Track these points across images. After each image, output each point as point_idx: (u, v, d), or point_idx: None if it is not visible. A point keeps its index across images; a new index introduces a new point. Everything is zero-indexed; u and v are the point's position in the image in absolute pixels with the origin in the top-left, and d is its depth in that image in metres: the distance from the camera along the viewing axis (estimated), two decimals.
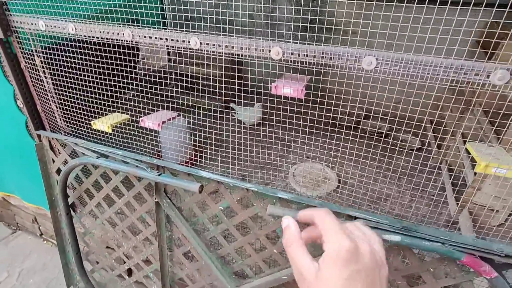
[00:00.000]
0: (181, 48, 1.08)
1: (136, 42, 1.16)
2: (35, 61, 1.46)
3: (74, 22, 1.22)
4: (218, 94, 3.21)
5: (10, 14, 1.35)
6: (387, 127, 3.00)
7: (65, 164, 1.57)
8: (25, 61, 1.46)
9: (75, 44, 1.33)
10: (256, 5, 3.43)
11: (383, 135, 2.81)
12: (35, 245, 2.36)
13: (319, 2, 3.22)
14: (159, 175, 1.25)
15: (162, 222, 1.44)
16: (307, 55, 0.91)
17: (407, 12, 0.89)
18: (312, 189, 2.42)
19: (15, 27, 1.37)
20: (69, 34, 1.25)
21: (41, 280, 2.10)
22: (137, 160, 1.32)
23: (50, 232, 2.33)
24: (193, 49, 1.06)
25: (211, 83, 2.78)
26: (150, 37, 1.12)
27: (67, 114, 1.59)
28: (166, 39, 1.09)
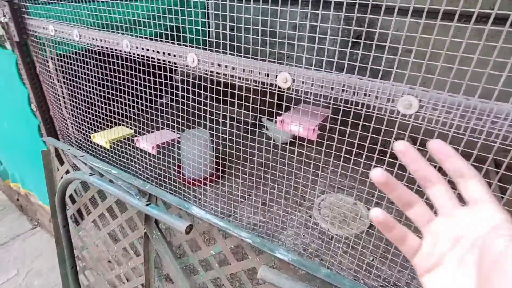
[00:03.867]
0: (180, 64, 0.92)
1: (135, 54, 1.01)
2: (49, 67, 1.41)
3: (79, 28, 1.13)
4: (249, 106, 3.05)
5: (28, 18, 1.31)
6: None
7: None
8: (39, 66, 1.42)
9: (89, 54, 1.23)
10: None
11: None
12: (48, 245, 2.37)
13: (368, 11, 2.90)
14: (147, 205, 1.09)
15: (151, 255, 1.27)
16: (322, 86, 0.68)
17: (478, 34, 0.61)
18: (339, 227, 2.12)
19: (31, 30, 1.32)
20: (73, 40, 1.16)
21: (45, 284, 2.07)
22: (128, 183, 1.18)
23: None
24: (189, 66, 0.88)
25: (243, 93, 2.62)
26: (148, 50, 0.97)
27: (77, 122, 1.52)
28: (162, 52, 0.93)
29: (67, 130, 1.59)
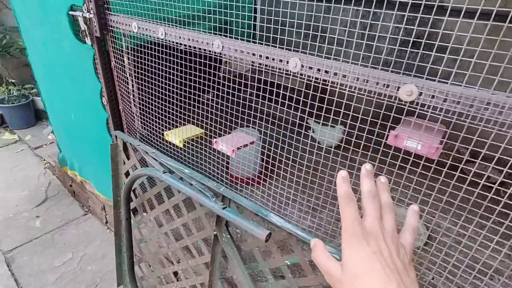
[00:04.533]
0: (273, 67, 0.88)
1: (224, 54, 1.00)
2: (123, 61, 1.43)
3: (164, 26, 1.13)
4: (295, 106, 2.99)
5: (110, 13, 1.33)
6: (500, 175, 2.39)
7: (134, 169, 1.53)
8: (115, 60, 1.45)
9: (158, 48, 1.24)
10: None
11: (495, 186, 2.24)
12: (100, 231, 2.46)
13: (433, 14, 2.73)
14: (223, 208, 1.07)
15: (217, 257, 1.26)
16: (459, 102, 0.62)
17: None
18: None
19: (112, 26, 1.35)
20: (158, 38, 1.16)
21: (98, 269, 2.15)
22: (202, 184, 1.17)
23: None
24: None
25: (288, 94, 2.57)
26: (242, 51, 0.94)
27: (145, 118, 1.55)
28: (258, 55, 0.90)
29: (133, 125, 1.61)
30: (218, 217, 1.18)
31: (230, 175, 2.43)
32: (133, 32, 1.24)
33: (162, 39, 1.15)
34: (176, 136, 1.27)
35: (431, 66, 0.66)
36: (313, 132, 2.99)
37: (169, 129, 1.40)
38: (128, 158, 1.54)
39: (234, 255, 1.18)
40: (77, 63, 1.56)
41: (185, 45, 1.08)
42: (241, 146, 1.14)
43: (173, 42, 1.12)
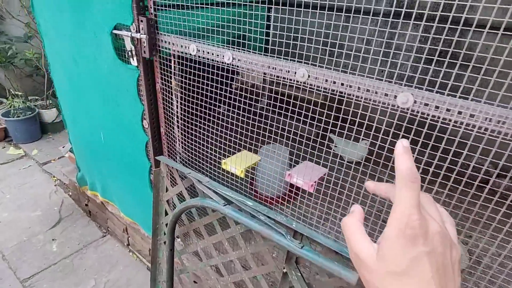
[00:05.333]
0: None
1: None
2: (170, 82, 1.35)
3: (231, 51, 1.05)
4: (316, 120, 2.94)
5: (160, 33, 1.25)
6: None
7: (180, 196, 1.43)
8: (161, 82, 1.36)
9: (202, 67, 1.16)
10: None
11: None
12: (121, 254, 2.34)
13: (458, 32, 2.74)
14: (301, 247, 0.99)
15: None
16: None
17: None
18: None
19: (161, 47, 1.26)
20: (222, 62, 1.08)
21: None
22: (270, 218, 1.09)
23: (138, 246, 2.28)
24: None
25: (309, 106, 2.51)
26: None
27: (188, 143, 1.46)
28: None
29: (174, 149, 1.52)
30: (288, 253, 1.09)
31: (255, 194, 2.35)
32: (191, 54, 1.16)
33: (227, 64, 1.07)
34: (236, 165, 1.18)
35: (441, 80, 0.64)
36: (336, 146, 2.94)
37: (222, 154, 1.31)
38: (172, 185, 1.44)
39: None
40: (115, 83, 1.47)
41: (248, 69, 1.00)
42: (317, 180, 1.07)
43: (237, 66, 1.04)
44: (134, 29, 1.25)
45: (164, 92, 1.38)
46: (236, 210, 1.14)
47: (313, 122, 1.10)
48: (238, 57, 1.04)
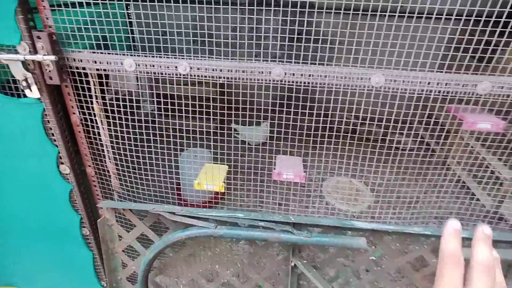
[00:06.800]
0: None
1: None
2: (91, 109, 1.07)
3: (189, 60, 0.93)
4: (212, 114, 2.93)
5: (73, 51, 0.96)
6: (382, 131, 3.16)
7: (143, 240, 1.20)
8: (79, 111, 1.06)
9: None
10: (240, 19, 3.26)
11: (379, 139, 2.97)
12: None
13: (306, 15, 3.21)
14: (311, 236, 1.04)
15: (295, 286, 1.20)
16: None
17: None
18: (354, 204, 2.40)
19: (77, 68, 0.98)
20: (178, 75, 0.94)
21: None
22: (269, 221, 1.07)
23: None
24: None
25: (203, 103, 2.52)
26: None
27: (125, 174, 1.23)
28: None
29: (110, 190, 1.25)
30: (293, 247, 1.12)
31: (184, 202, 2.21)
32: (128, 71, 0.96)
33: (183, 75, 0.94)
34: (211, 181, 1.08)
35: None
36: (239, 134, 3.04)
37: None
38: (127, 231, 1.19)
39: (315, 276, 1.16)
40: (5, 127, 1.05)
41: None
42: (303, 169, 1.11)
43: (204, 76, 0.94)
44: (25, 50, 0.91)
45: (85, 122, 1.09)
46: (231, 227, 1.06)
47: (215, 117, 1.26)
48: (198, 65, 0.93)
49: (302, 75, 0.90)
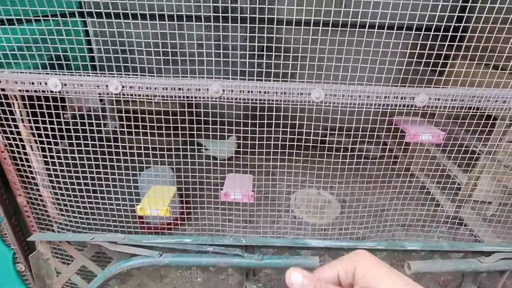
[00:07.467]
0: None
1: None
2: (19, 133, 0.98)
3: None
4: (175, 130, 2.85)
5: None
6: (350, 141, 3.21)
7: (86, 273, 1.09)
8: (2, 136, 0.97)
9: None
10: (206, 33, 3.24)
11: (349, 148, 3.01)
12: None
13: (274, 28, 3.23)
14: (262, 259, 0.98)
15: None
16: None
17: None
18: (321, 217, 2.37)
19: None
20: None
21: None
22: (218, 245, 1.01)
23: None
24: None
25: (165, 118, 2.45)
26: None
27: (65, 202, 1.14)
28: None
29: (46, 219, 1.14)
30: (246, 270, 1.05)
31: (147, 226, 2.10)
32: (54, 91, 0.88)
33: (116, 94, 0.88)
34: (155, 205, 1.01)
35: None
36: (206, 149, 2.97)
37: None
38: (66, 264, 1.08)
39: None
40: None
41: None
42: (252, 189, 1.06)
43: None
44: None
45: (10, 148, 0.99)
46: (178, 255, 0.99)
47: (177, 132, 1.23)
48: (130, 83, 0.87)
49: (241, 92, 0.86)
